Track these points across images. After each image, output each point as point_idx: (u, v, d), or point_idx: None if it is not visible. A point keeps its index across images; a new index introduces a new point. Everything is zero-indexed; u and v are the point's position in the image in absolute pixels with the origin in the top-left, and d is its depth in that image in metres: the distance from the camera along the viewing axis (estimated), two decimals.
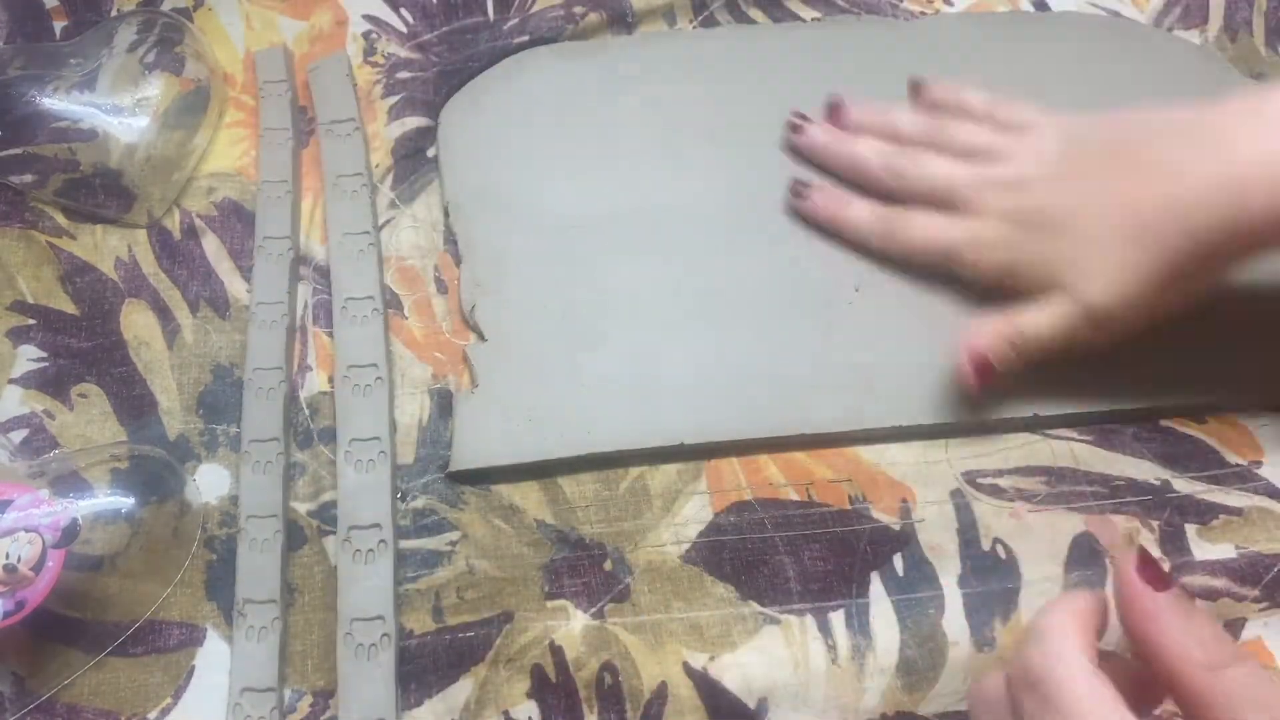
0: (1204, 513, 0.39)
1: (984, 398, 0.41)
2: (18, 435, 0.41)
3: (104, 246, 0.45)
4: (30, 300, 0.44)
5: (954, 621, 0.37)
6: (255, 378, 0.41)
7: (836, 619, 0.37)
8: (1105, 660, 0.28)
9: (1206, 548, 0.38)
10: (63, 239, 0.45)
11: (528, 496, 0.40)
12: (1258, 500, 0.40)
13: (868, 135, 0.46)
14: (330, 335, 0.43)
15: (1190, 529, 0.39)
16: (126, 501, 0.38)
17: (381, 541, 0.38)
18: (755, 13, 0.54)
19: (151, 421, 0.41)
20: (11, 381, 0.42)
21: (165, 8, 0.52)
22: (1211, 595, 0.38)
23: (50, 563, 0.35)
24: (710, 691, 0.36)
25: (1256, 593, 0.38)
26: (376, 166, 0.48)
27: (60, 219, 0.46)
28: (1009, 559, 0.39)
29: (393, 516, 0.39)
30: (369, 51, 0.52)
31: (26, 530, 0.35)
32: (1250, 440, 0.42)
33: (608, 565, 0.38)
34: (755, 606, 0.38)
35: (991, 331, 0.39)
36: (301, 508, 0.40)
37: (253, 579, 0.38)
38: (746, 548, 0.39)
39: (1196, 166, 0.37)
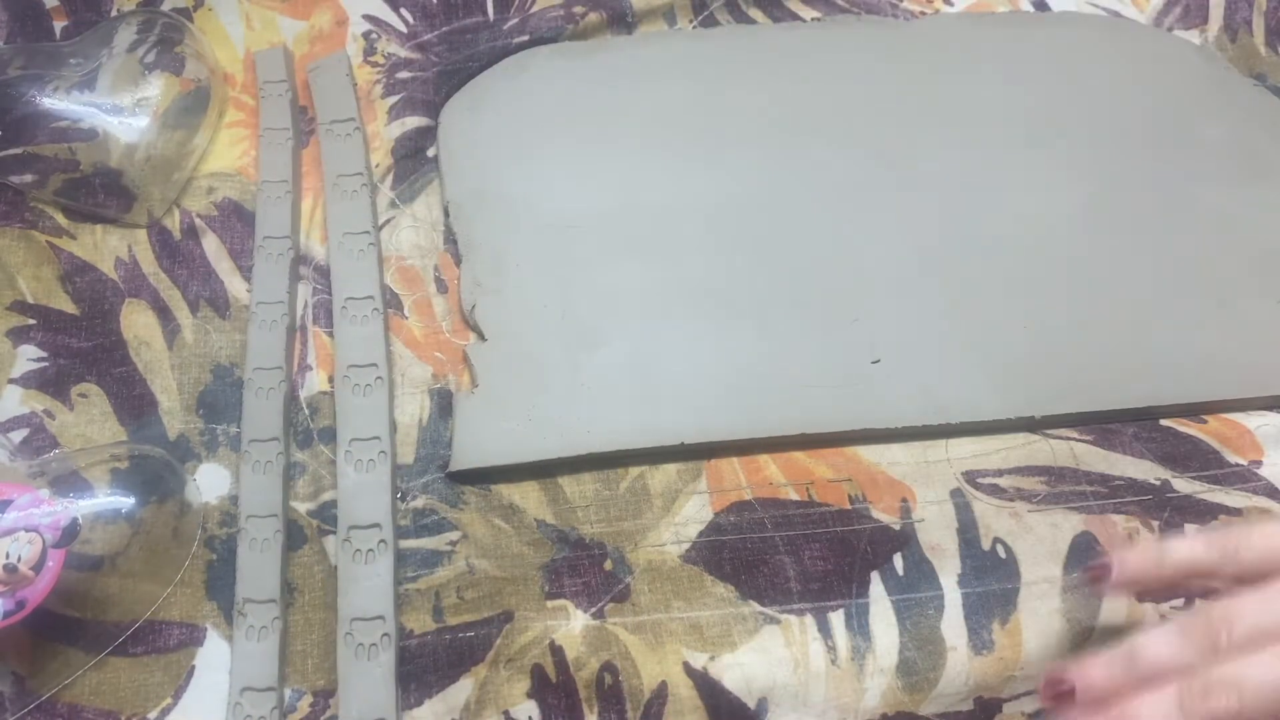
0: (1203, 513, 0.39)
1: (984, 398, 0.41)
2: (18, 435, 0.41)
3: (104, 246, 0.45)
4: (30, 300, 0.44)
5: (954, 622, 0.37)
6: (255, 377, 0.41)
7: (836, 619, 0.37)
8: None
9: None
10: (63, 239, 0.45)
11: (528, 496, 0.40)
12: (1257, 500, 0.40)
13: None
14: (330, 335, 0.43)
15: (1190, 529, 0.39)
16: (126, 501, 0.38)
17: (381, 541, 0.38)
18: (755, 13, 0.54)
19: (151, 421, 0.41)
20: (11, 381, 0.42)
21: (165, 8, 0.52)
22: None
23: (50, 563, 0.35)
24: (710, 691, 0.36)
25: None
26: (376, 166, 0.48)
27: (60, 219, 0.46)
28: (1009, 559, 0.39)
29: (393, 516, 0.39)
30: (369, 51, 0.52)
31: (26, 530, 0.35)
32: (1250, 440, 0.42)
33: (608, 565, 0.38)
34: (755, 606, 0.38)
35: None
36: (301, 507, 0.40)
37: (253, 579, 0.38)
38: (746, 547, 0.39)
39: None
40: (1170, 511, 0.39)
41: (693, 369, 0.42)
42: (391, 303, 0.44)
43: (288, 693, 0.36)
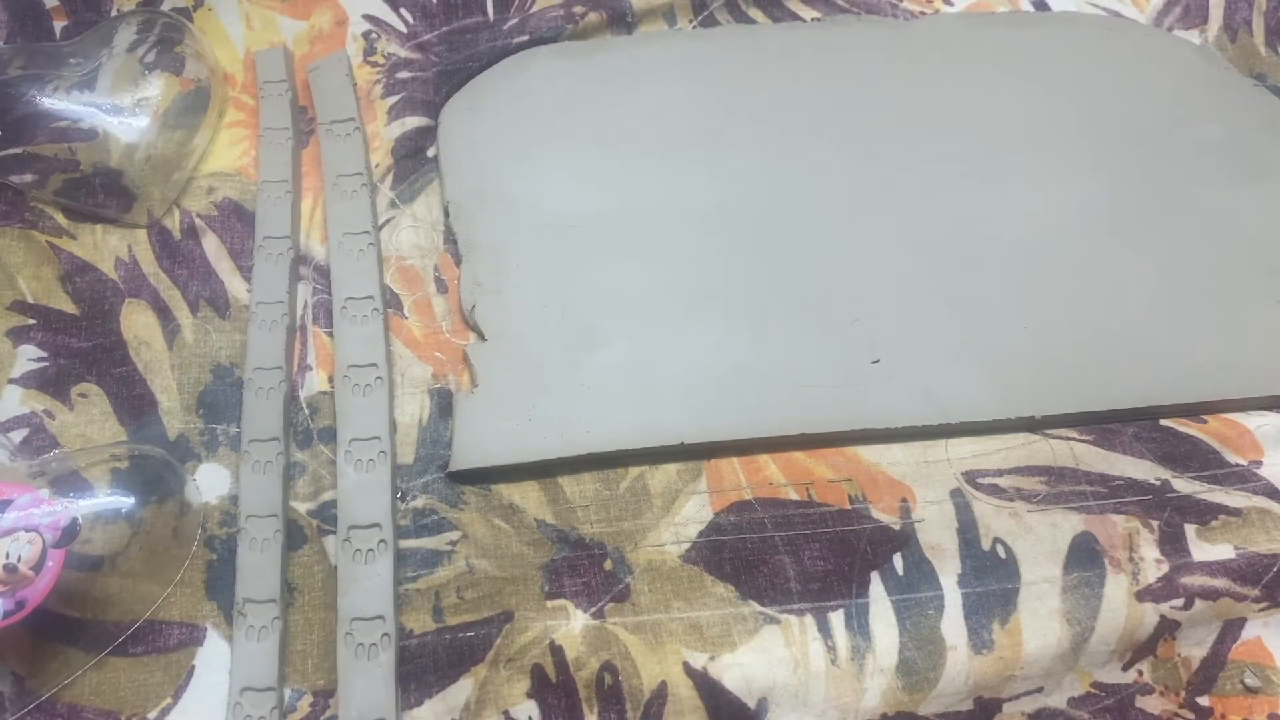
0: (1203, 513, 0.39)
1: (984, 398, 0.41)
2: (18, 435, 0.41)
3: (104, 246, 0.45)
4: (30, 300, 0.44)
5: (954, 621, 0.37)
6: (255, 377, 0.41)
7: (836, 619, 0.37)
8: None
9: (1205, 548, 0.38)
10: (63, 239, 0.45)
11: (528, 496, 0.40)
12: (1257, 501, 0.40)
13: None
14: (330, 335, 0.43)
15: (1190, 529, 0.39)
16: (126, 501, 0.38)
17: (381, 541, 0.38)
18: (755, 13, 0.54)
19: (151, 421, 0.41)
20: (11, 381, 0.42)
21: (165, 8, 0.52)
22: (1212, 595, 0.38)
23: (50, 563, 0.35)
24: (710, 691, 0.36)
25: (1257, 592, 0.38)
26: (376, 166, 0.48)
27: (60, 219, 0.46)
28: (1009, 559, 0.39)
29: (393, 516, 0.39)
30: (369, 51, 0.52)
31: (26, 530, 0.35)
32: (1250, 440, 0.42)
33: (608, 565, 0.38)
34: (755, 606, 0.38)
35: None
36: (301, 507, 0.40)
37: (253, 578, 0.38)
38: (746, 547, 0.39)
39: None
40: (1170, 511, 0.39)
41: (693, 369, 0.42)
42: (391, 303, 0.44)
43: (288, 693, 0.36)
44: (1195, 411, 0.42)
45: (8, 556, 0.34)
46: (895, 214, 0.47)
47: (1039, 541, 0.39)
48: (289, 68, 0.50)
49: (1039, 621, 0.37)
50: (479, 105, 0.50)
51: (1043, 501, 0.40)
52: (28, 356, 0.42)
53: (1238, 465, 0.41)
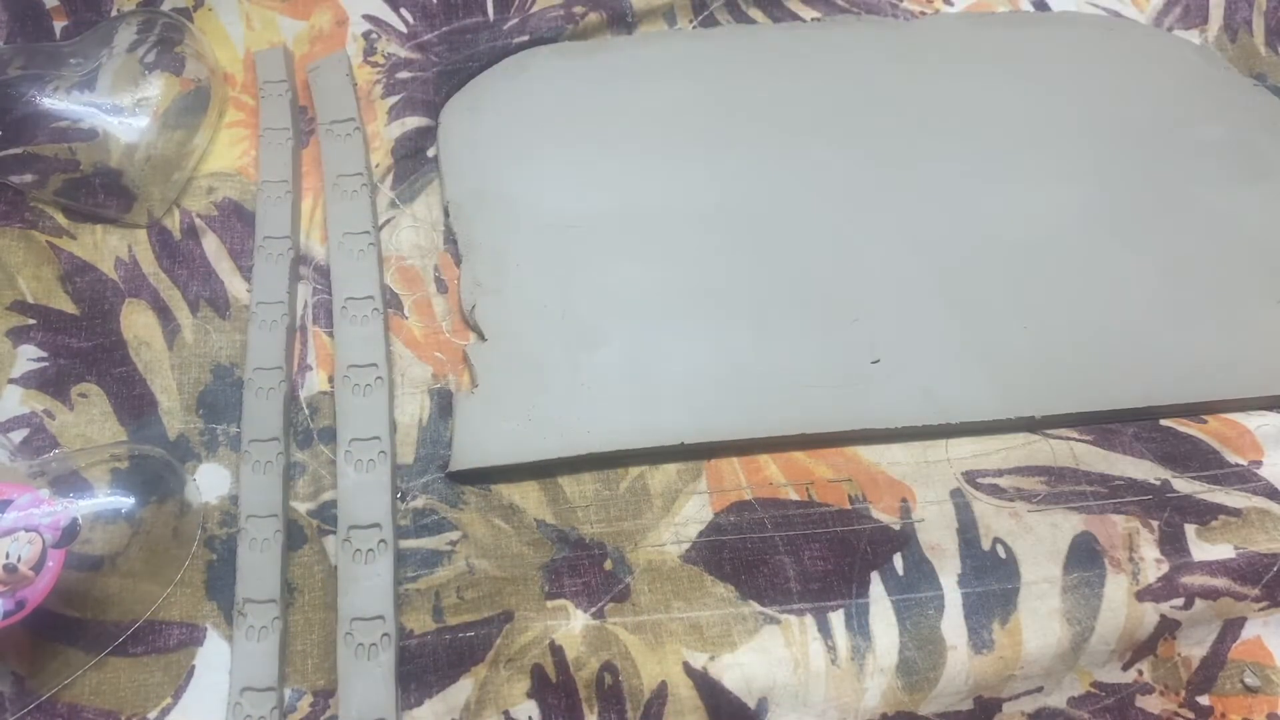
0: (1203, 513, 0.39)
1: (984, 398, 0.41)
2: (18, 435, 0.41)
3: (104, 246, 0.45)
4: (30, 300, 0.44)
5: (954, 621, 0.37)
6: (255, 377, 0.41)
7: (836, 619, 0.37)
8: None
9: (1205, 548, 0.38)
10: (63, 239, 0.45)
11: (528, 496, 0.40)
12: (1256, 501, 0.40)
13: None
14: (330, 335, 0.43)
15: (1190, 529, 0.39)
16: (126, 501, 0.38)
17: (381, 541, 0.38)
18: (755, 13, 0.54)
19: (151, 421, 0.41)
20: (11, 381, 0.42)
21: (165, 8, 0.52)
22: (1212, 595, 0.38)
23: (50, 563, 0.35)
24: (710, 691, 0.36)
25: (1257, 591, 0.38)
26: (376, 166, 0.48)
27: (60, 219, 0.46)
28: (1009, 559, 0.39)
29: (393, 516, 0.39)
30: (369, 51, 0.52)
31: (26, 530, 0.35)
32: (1250, 440, 0.42)
33: (608, 565, 0.38)
34: (755, 606, 0.38)
35: None
36: (301, 507, 0.40)
37: (253, 579, 0.38)
38: (746, 547, 0.39)
39: None
40: (1170, 511, 0.39)
41: (693, 369, 0.42)
42: (391, 303, 0.44)
43: (288, 693, 0.36)
44: (1195, 411, 0.42)
45: (8, 556, 0.34)
46: (895, 214, 0.47)
47: (1039, 541, 0.39)
48: (289, 68, 0.50)
49: (1039, 621, 0.37)
50: (479, 105, 0.50)
51: (1043, 501, 0.40)
52: (28, 356, 0.42)
53: (1238, 465, 0.41)
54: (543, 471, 0.40)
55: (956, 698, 0.37)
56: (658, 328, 0.43)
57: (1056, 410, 0.42)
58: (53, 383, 0.42)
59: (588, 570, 0.38)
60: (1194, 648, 0.38)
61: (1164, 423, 0.42)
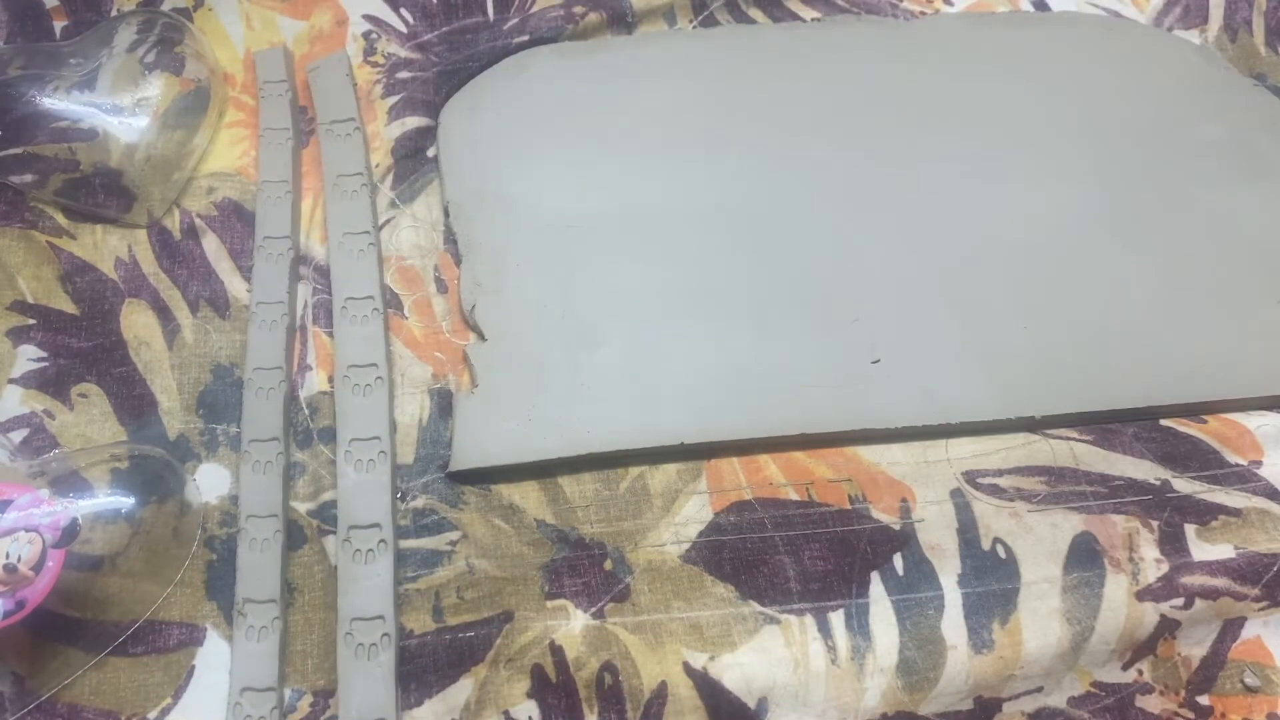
0: (1203, 513, 0.39)
1: (984, 398, 0.41)
2: (18, 435, 0.41)
3: (104, 246, 0.45)
4: (30, 300, 0.44)
5: (954, 621, 0.37)
6: (255, 377, 0.41)
7: (836, 619, 0.37)
8: None
9: (1205, 548, 0.38)
10: (63, 239, 0.45)
11: (528, 496, 0.40)
12: (1256, 501, 0.40)
13: None
14: (330, 335, 0.43)
15: (1190, 529, 0.39)
16: (126, 501, 0.38)
17: (381, 541, 0.38)
18: (755, 13, 0.54)
19: (151, 421, 0.41)
20: (11, 381, 0.42)
21: (165, 8, 0.52)
22: (1212, 594, 0.38)
23: (50, 563, 0.35)
24: (710, 691, 0.36)
25: (1257, 591, 0.38)
26: (376, 166, 0.48)
27: (60, 219, 0.46)
28: (1009, 559, 0.39)
29: (393, 516, 0.39)
30: (369, 51, 0.52)
31: (26, 530, 0.35)
32: (1250, 440, 0.42)
33: (608, 565, 0.38)
34: (755, 606, 0.38)
35: None
36: (301, 507, 0.40)
37: (253, 579, 0.38)
38: (746, 547, 0.39)
39: None
40: (1170, 511, 0.39)
41: (693, 369, 0.42)
42: (391, 303, 0.44)
43: (288, 693, 0.36)
44: (1195, 411, 0.42)
45: (8, 556, 0.34)
46: (895, 214, 0.47)
47: (1039, 541, 0.39)
48: (289, 68, 0.50)
49: (1039, 621, 0.37)
50: (479, 105, 0.50)
51: (1043, 501, 0.40)
52: (28, 356, 0.42)
53: (1238, 465, 0.41)
54: (543, 471, 0.40)
55: (956, 698, 0.37)
56: (658, 328, 0.43)
57: (1056, 410, 0.42)
58: (53, 383, 0.42)
59: (588, 570, 0.38)
60: (1194, 648, 0.38)
61: (1164, 423, 0.42)
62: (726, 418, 0.41)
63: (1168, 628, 0.37)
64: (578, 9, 0.52)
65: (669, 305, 0.44)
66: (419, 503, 0.40)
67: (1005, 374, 0.42)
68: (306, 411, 0.42)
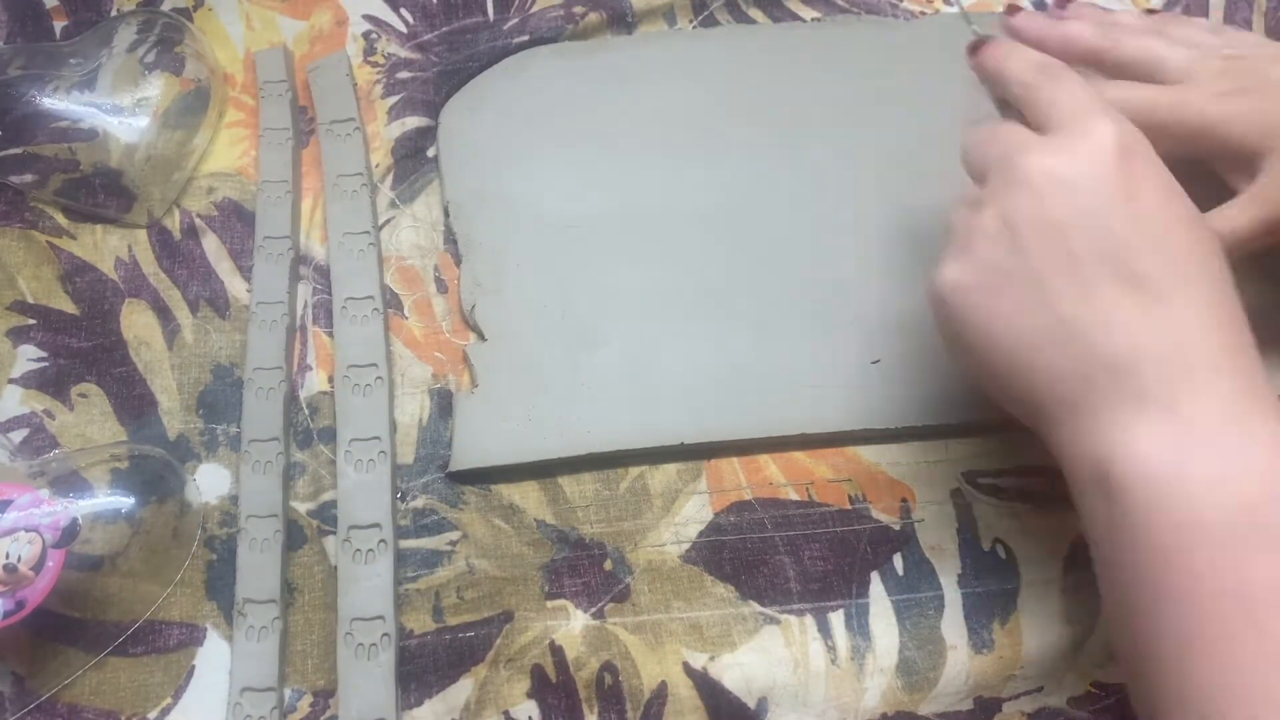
0: None
1: (984, 398, 0.41)
2: (18, 435, 0.41)
3: (104, 246, 0.45)
4: (30, 300, 0.44)
5: (954, 621, 0.37)
6: (255, 377, 0.41)
7: (836, 619, 0.37)
8: None
9: None
10: (63, 239, 0.45)
11: (528, 496, 0.40)
12: None
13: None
14: (330, 335, 0.43)
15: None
16: (126, 501, 0.38)
17: (381, 541, 0.38)
18: (755, 13, 0.54)
19: (151, 421, 0.41)
20: (11, 381, 0.42)
21: (165, 8, 0.52)
22: None
23: (50, 563, 0.35)
24: (710, 691, 0.36)
25: None
26: (376, 166, 0.48)
27: (60, 219, 0.46)
28: (1009, 559, 0.39)
29: (393, 516, 0.39)
30: (369, 51, 0.52)
31: (26, 530, 0.35)
32: None
33: (608, 565, 0.38)
34: (755, 606, 0.38)
35: None
36: (301, 507, 0.40)
37: (253, 579, 0.38)
38: (746, 548, 0.39)
39: None
40: None
41: (693, 369, 0.42)
42: (391, 303, 0.44)
43: (288, 693, 0.36)
44: None
45: (8, 556, 0.34)
46: (895, 213, 0.47)
47: (1039, 541, 0.39)
48: (289, 68, 0.50)
49: (1039, 621, 0.37)
50: (479, 105, 0.50)
51: (1043, 501, 0.40)
52: (28, 356, 0.42)
53: None
54: (543, 471, 0.40)
55: (956, 698, 0.37)
56: (658, 328, 0.43)
57: None
58: (53, 383, 0.42)
59: (588, 570, 0.38)
60: None
61: None
62: (726, 418, 0.41)
63: None
64: (578, 9, 0.52)
65: (669, 305, 0.44)
66: (419, 503, 0.40)
67: None
68: (306, 411, 0.42)
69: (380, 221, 0.46)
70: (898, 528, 0.39)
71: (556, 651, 0.37)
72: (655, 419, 0.41)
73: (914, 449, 0.41)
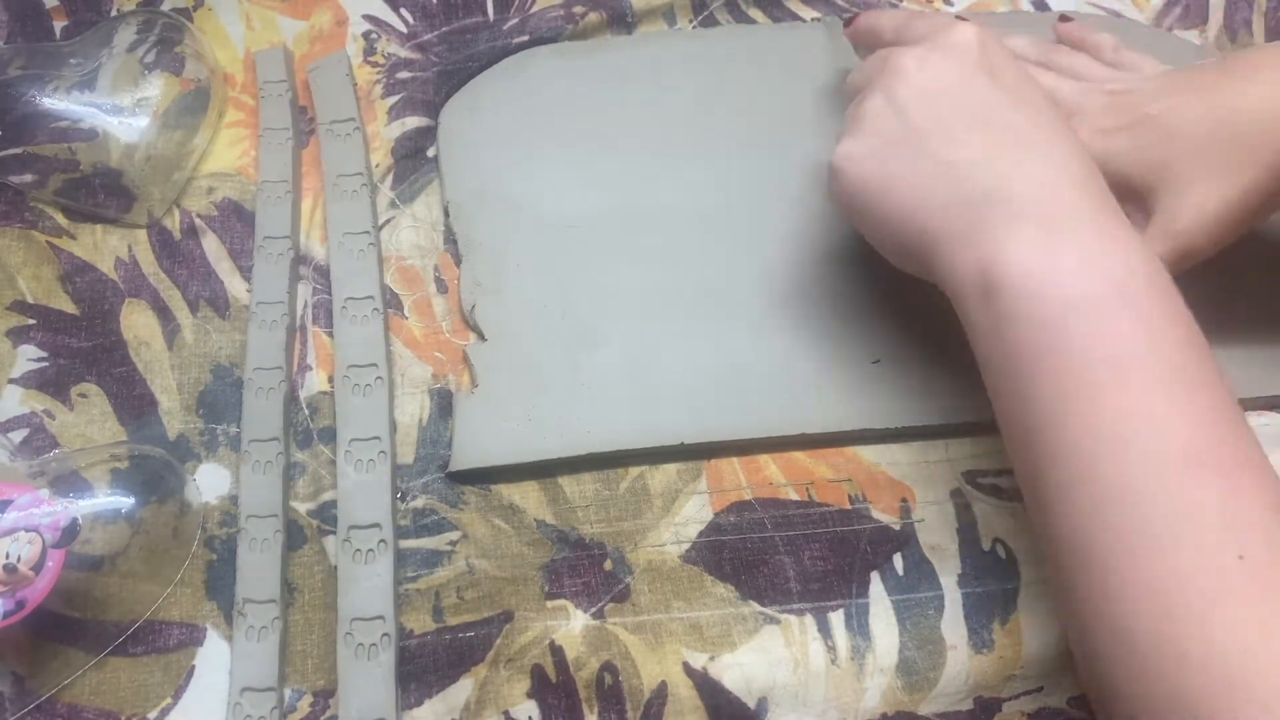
0: None
1: (984, 398, 0.41)
2: (18, 435, 0.41)
3: (104, 246, 0.45)
4: (30, 300, 0.44)
5: (954, 621, 0.37)
6: (255, 377, 0.41)
7: (836, 619, 0.37)
8: None
9: None
10: (63, 239, 0.45)
11: (528, 496, 0.40)
12: None
13: None
14: (330, 335, 0.43)
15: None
16: (126, 501, 0.38)
17: (381, 541, 0.38)
18: (755, 13, 0.54)
19: (151, 421, 0.41)
20: (11, 381, 0.42)
21: (165, 8, 0.52)
22: None
23: (50, 563, 0.35)
24: (710, 691, 0.36)
25: None
26: (376, 166, 0.48)
27: (60, 219, 0.46)
28: (1009, 559, 0.39)
29: (393, 516, 0.39)
30: (369, 51, 0.52)
31: (26, 530, 0.35)
32: None
33: (608, 565, 0.38)
34: (755, 606, 0.38)
35: None
36: (301, 507, 0.40)
37: (253, 579, 0.38)
38: (746, 547, 0.39)
39: None
40: None
41: (693, 369, 0.42)
42: (391, 303, 0.44)
43: (288, 693, 0.36)
44: None
45: (8, 556, 0.34)
46: None
47: (1039, 542, 0.39)
48: (289, 68, 0.50)
49: (1039, 621, 0.37)
50: (479, 105, 0.50)
51: None
52: (28, 356, 0.42)
53: None
54: (543, 471, 0.40)
55: (956, 698, 0.37)
56: (658, 327, 0.43)
57: None
58: (53, 383, 0.42)
59: (588, 570, 0.38)
60: None
61: None
62: (726, 418, 0.41)
63: None
64: (578, 9, 0.52)
65: (669, 305, 0.44)
66: (419, 503, 0.40)
67: None
68: (306, 411, 0.42)
69: (380, 221, 0.46)
70: (898, 528, 0.39)
71: (556, 651, 0.37)
72: (655, 419, 0.41)
73: (914, 449, 0.41)
